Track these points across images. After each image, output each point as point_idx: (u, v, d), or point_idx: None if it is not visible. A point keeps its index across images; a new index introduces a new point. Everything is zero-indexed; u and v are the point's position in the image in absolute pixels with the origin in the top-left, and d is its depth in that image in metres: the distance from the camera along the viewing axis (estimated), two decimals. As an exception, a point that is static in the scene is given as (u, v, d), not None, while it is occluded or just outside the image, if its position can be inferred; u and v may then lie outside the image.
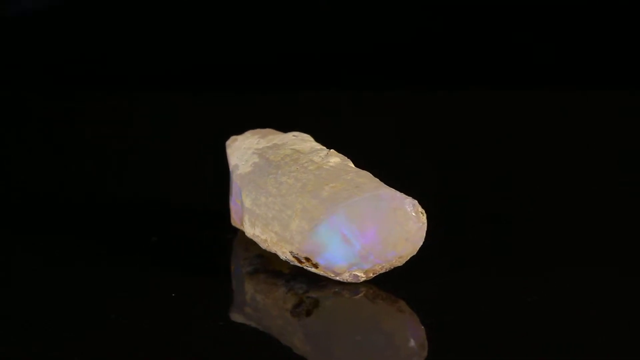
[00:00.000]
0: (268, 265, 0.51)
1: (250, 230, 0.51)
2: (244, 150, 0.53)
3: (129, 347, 0.45)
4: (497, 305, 0.48)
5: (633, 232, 0.55)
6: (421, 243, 0.48)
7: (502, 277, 0.50)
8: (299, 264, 0.49)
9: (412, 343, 0.45)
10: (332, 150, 0.51)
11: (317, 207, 0.47)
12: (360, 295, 0.48)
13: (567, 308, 0.48)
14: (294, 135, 0.53)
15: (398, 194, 0.48)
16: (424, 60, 0.83)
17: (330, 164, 0.49)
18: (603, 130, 0.70)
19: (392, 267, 0.49)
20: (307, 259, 0.48)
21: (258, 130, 0.54)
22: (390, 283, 0.49)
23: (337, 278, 0.48)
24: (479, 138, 0.69)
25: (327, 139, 0.53)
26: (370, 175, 0.49)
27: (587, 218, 0.57)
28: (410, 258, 0.49)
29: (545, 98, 0.77)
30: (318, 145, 0.52)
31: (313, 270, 0.48)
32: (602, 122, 0.72)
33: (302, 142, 0.52)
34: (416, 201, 0.48)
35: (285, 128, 0.54)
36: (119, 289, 0.49)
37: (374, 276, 0.48)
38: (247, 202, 0.51)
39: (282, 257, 0.49)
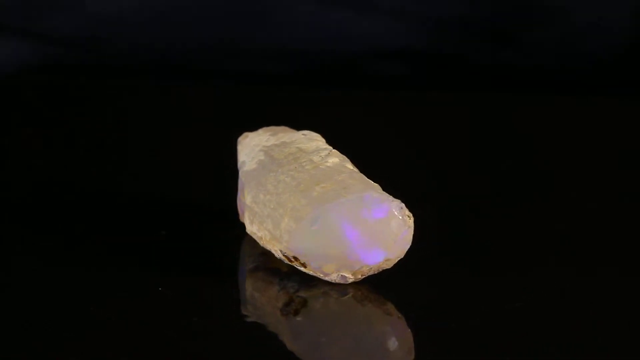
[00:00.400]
0: (268, 262, 0.51)
1: (250, 227, 0.51)
2: (252, 147, 0.53)
3: (129, 347, 0.45)
4: (486, 309, 0.48)
5: (629, 232, 0.55)
6: (408, 247, 0.48)
7: (492, 281, 0.50)
8: (289, 263, 0.49)
9: (397, 347, 0.45)
10: (333, 150, 0.51)
11: (305, 206, 0.48)
12: (348, 296, 0.48)
13: (557, 311, 0.48)
14: (303, 134, 0.53)
15: (385, 197, 0.48)
16: (444, 60, 0.83)
17: (328, 164, 0.50)
18: (601, 133, 0.70)
19: (381, 270, 0.49)
20: (295, 258, 0.48)
21: (272, 127, 0.54)
22: (380, 285, 0.49)
23: (326, 278, 0.48)
24: (484, 140, 0.69)
25: (344, 139, 0.53)
26: (363, 177, 0.49)
27: (581, 220, 0.56)
28: (402, 261, 0.49)
29: (546, 102, 0.77)
30: (324, 145, 0.52)
31: (302, 269, 0.49)
32: (600, 126, 0.72)
33: (309, 141, 0.52)
34: (403, 205, 0.48)
35: (310, 126, 0.54)
36: (120, 288, 0.49)
37: (362, 278, 0.49)
38: (248, 199, 0.51)
39: (276, 255, 0.49)
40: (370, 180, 0.49)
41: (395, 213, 0.48)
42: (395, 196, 0.48)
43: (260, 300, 0.49)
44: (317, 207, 0.47)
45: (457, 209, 0.58)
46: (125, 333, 0.46)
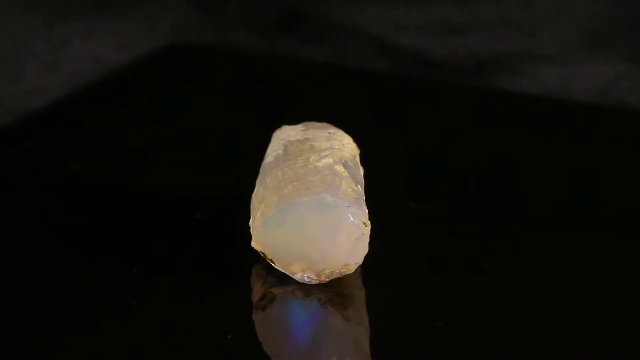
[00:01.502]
0: (270, 255, 0.51)
1: (250, 219, 0.51)
2: (279, 141, 0.53)
3: (129, 347, 0.45)
4: (447, 318, 0.47)
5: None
6: (365, 253, 0.48)
7: (453, 288, 0.49)
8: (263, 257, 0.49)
9: (350, 353, 0.46)
10: (337, 150, 0.50)
11: (273, 203, 0.48)
12: (311, 297, 0.48)
13: (541, 314, 0.47)
14: (329, 132, 0.52)
15: (341, 202, 0.47)
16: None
17: (318, 163, 0.49)
18: (597, 137, 0.69)
19: (343, 274, 0.48)
20: (264, 254, 0.48)
21: (311, 123, 0.54)
22: (352, 287, 0.49)
23: (294, 277, 0.49)
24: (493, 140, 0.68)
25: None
26: (338, 180, 0.48)
27: (568, 223, 0.55)
28: (377, 265, 0.48)
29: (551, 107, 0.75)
30: (337, 145, 0.51)
31: (274, 265, 0.49)
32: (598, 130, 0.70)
33: (327, 140, 0.51)
34: (362, 211, 0.47)
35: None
36: (121, 288, 0.49)
37: (327, 280, 0.48)
38: (254, 192, 0.51)
39: None
40: (348, 184, 0.48)
41: (351, 219, 0.47)
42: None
43: (250, 293, 0.49)
44: (278, 205, 0.47)
45: (440, 215, 0.56)
46: (125, 333, 0.46)
